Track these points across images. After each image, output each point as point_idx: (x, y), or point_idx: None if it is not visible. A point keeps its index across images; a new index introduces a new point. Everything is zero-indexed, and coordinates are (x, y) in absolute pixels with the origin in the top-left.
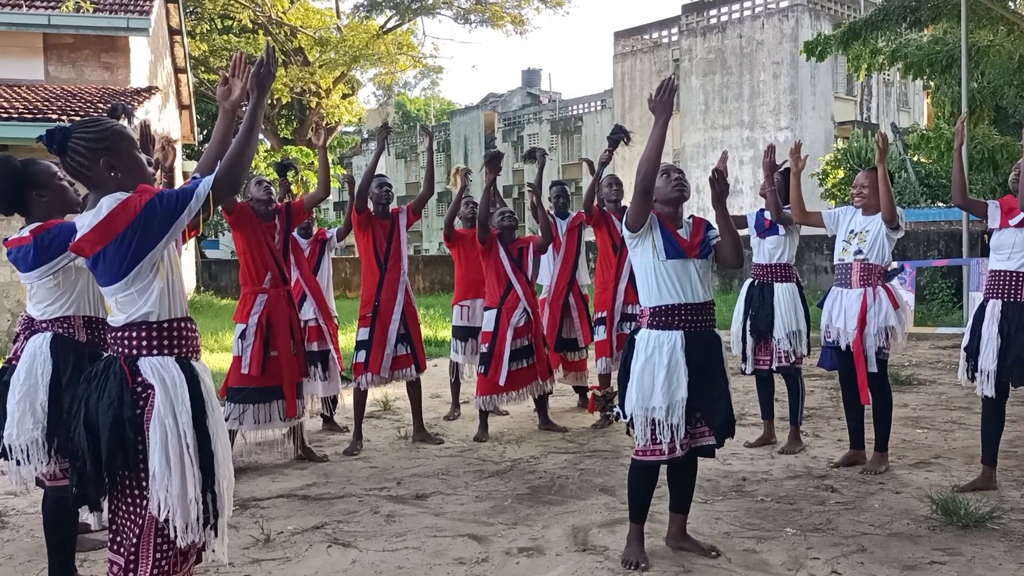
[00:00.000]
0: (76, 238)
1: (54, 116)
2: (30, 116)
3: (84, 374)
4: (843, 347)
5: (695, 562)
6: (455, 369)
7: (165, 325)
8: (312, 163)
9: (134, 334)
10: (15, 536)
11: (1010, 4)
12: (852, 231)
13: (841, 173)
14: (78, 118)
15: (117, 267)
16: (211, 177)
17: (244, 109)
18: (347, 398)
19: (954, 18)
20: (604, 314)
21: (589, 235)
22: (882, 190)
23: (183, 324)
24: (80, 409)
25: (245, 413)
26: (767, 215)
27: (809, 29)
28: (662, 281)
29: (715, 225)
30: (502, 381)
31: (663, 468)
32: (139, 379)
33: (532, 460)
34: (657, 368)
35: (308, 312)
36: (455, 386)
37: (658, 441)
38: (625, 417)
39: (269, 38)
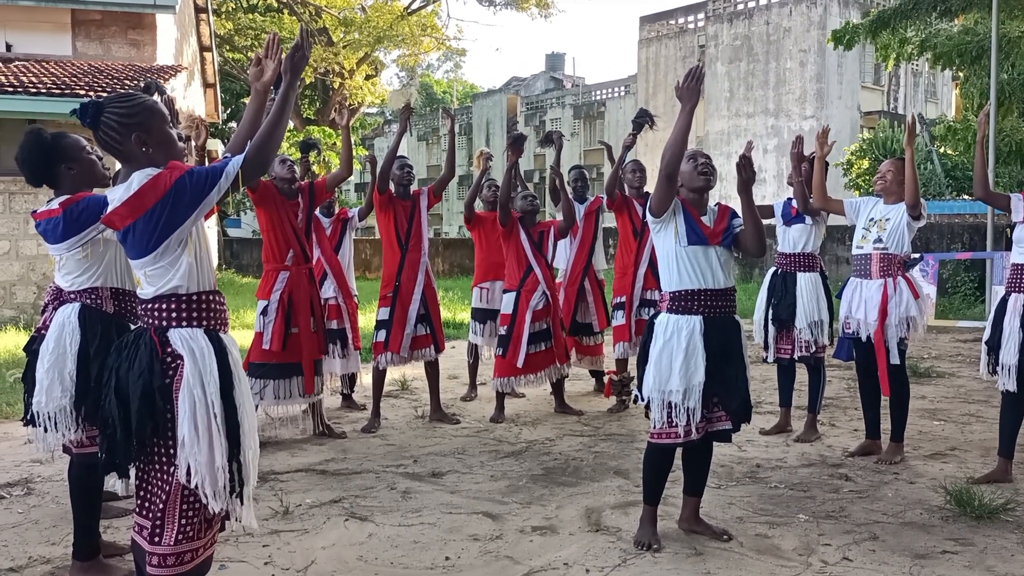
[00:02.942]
0: (107, 211)
1: (81, 92)
2: (58, 92)
3: (115, 344)
4: (863, 338)
5: (707, 545)
6: (473, 350)
7: (194, 297)
8: (335, 144)
9: (164, 306)
10: (41, 502)
11: None
12: (872, 219)
13: (866, 163)
14: (105, 94)
15: (146, 241)
16: (241, 156)
17: (274, 91)
18: (366, 377)
19: (985, 8)
20: (623, 299)
21: (606, 220)
22: (908, 173)
23: (211, 297)
24: (111, 378)
25: (266, 388)
26: (794, 204)
27: (837, 17)
28: (683, 266)
29: (740, 213)
30: (520, 363)
31: (678, 452)
32: (169, 349)
33: (547, 442)
34: (675, 352)
35: (328, 290)
36: (473, 367)
37: (674, 424)
38: (643, 399)
39: (303, 23)
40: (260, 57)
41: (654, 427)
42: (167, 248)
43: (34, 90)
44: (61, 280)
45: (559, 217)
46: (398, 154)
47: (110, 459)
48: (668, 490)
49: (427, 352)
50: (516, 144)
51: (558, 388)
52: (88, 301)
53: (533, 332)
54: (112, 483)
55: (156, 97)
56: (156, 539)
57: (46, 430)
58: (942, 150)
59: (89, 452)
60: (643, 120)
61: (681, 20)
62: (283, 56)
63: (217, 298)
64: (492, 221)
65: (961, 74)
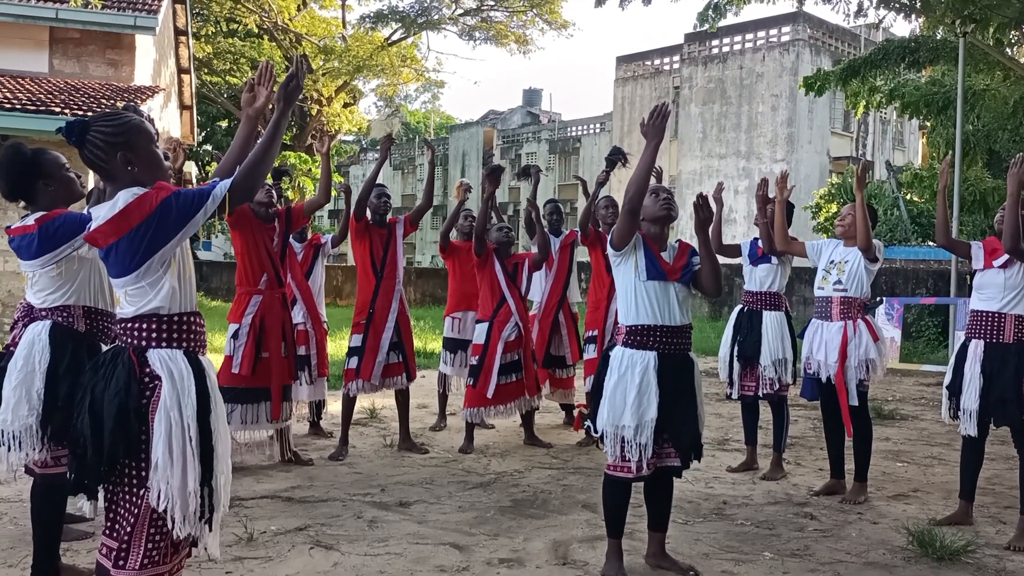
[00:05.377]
0: (91, 228)
1: (57, 110)
2: (33, 108)
3: (91, 363)
4: (824, 379)
5: None
6: (443, 380)
7: (175, 318)
8: (310, 170)
9: (143, 326)
10: None
11: (1007, 50)
12: (832, 261)
13: (834, 207)
14: (80, 113)
15: (129, 260)
16: (228, 181)
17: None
18: (333, 404)
19: (952, 61)
20: (595, 333)
21: (581, 254)
22: (858, 217)
23: (192, 318)
24: (86, 396)
25: (233, 413)
26: (760, 244)
27: (809, 64)
28: (641, 301)
29: None
30: (490, 394)
31: (641, 486)
32: (147, 370)
33: (516, 474)
34: (629, 387)
35: (297, 316)
36: (442, 397)
37: (627, 459)
38: (596, 432)
39: (297, 55)
40: (253, 84)
41: (609, 460)
42: (149, 268)
43: (8, 106)
44: (33, 297)
45: (534, 250)
46: (376, 182)
47: (79, 479)
48: (635, 525)
49: (398, 380)
50: (493, 175)
51: (528, 420)
52: (60, 319)
53: (504, 363)
54: (80, 505)
55: None
56: (121, 562)
57: (10, 449)
58: (908, 197)
59: (54, 473)
60: (616, 158)
61: (657, 61)
62: (275, 86)
63: (197, 320)
64: (467, 251)
65: (928, 123)
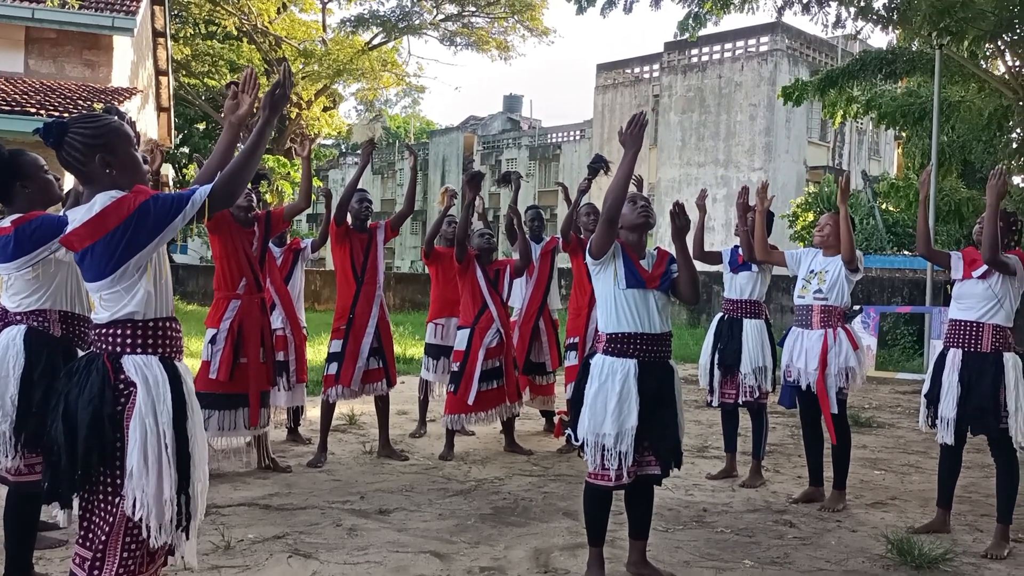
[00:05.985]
0: (67, 231)
1: (32, 110)
2: (8, 108)
3: (65, 369)
4: (803, 387)
5: None
6: (424, 387)
7: (150, 324)
8: (288, 173)
9: (118, 332)
10: None
11: (982, 63)
12: (812, 271)
13: (811, 216)
14: (56, 113)
15: (104, 264)
16: (209, 187)
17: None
18: (312, 410)
19: (928, 73)
20: (576, 340)
21: (562, 261)
22: (843, 229)
23: (168, 324)
24: (60, 403)
25: (210, 419)
26: (741, 252)
27: (787, 74)
28: (620, 309)
29: None
30: (471, 401)
31: (621, 493)
32: (122, 376)
33: (497, 481)
34: (609, 395)
35: (276, 321)
36: (423, 404)
37: (607, 467)
38: (577, 441)
39: (282, 57)
40: (236, 91)
41: (590, 468)
42: (125, 272)
43: None
44: (7, 301)
45: (515, 256)
46: (357, 187)
47: (53, 488)
48: (616, 533)
49: (379, 386)
50: (473, 182)
51: (508, 427)
52: (35, 323)
53: (485, 370)
54: (54, 513)
55: None
56: (96, 572)
57: None
58: (884, 206)
59: (27, 481)
60: (599, 166)
61: (637, 70)
62: (260, 92)
63: (174, 325)
64: (450, 257)
65: (904, 134)
